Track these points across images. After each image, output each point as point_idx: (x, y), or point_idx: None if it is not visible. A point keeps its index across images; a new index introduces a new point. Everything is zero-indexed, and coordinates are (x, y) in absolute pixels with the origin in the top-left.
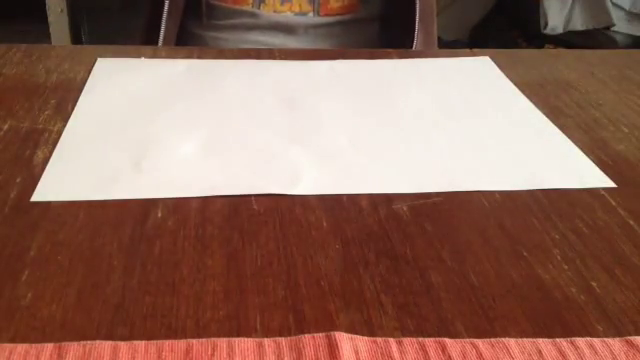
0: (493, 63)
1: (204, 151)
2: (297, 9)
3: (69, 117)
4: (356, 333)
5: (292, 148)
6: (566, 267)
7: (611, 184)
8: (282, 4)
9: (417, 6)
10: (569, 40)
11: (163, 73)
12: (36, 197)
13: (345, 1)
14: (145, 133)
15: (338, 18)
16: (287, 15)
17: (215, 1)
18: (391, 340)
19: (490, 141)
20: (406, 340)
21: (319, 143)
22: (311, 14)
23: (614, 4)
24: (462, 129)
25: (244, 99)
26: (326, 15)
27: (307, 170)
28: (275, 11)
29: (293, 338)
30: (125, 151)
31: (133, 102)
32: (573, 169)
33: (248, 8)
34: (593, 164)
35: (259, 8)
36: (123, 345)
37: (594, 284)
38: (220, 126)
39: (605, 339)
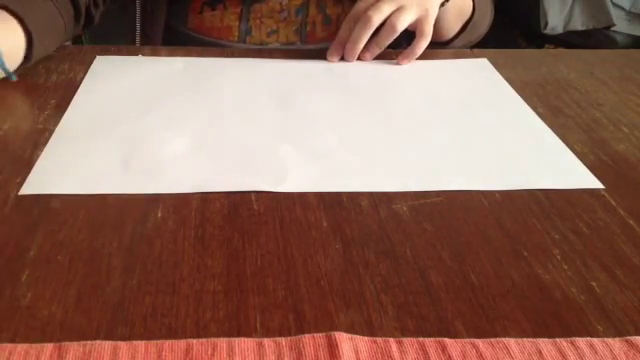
0: (491, 65)
1: (193, 148)
2: (284, 40)
3: None
4: (356, 333)
5: (281, 146)
6: (566, 267)
7: (599, 185)
8: (268, 36)
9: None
10: (569, 40)
11: (160, 70)
12: (24, 190)
13: (332, 29)
14: (137, 129)
15: (325, 45)
16: (274, 46)
17: (198, 34)
18: (391, 340)
19: (481, 142)
20: (406, 340)
21: (309, 142)
22: (298, 43)
23: (614, 4)
24: (454, 129)
25: (239, 97)
26: (313, 43)
27: (293, 168)
28: (262, 43)
29: (293, 338)
30: (116, 147)
31: (128, 98)
32: (562, 170)
33: (234, 42)
34: (583, 165)
35: (245, 42)
36: (123, 345)
37: (594, 284)
38: (212, 124)
39: (605, 339)
